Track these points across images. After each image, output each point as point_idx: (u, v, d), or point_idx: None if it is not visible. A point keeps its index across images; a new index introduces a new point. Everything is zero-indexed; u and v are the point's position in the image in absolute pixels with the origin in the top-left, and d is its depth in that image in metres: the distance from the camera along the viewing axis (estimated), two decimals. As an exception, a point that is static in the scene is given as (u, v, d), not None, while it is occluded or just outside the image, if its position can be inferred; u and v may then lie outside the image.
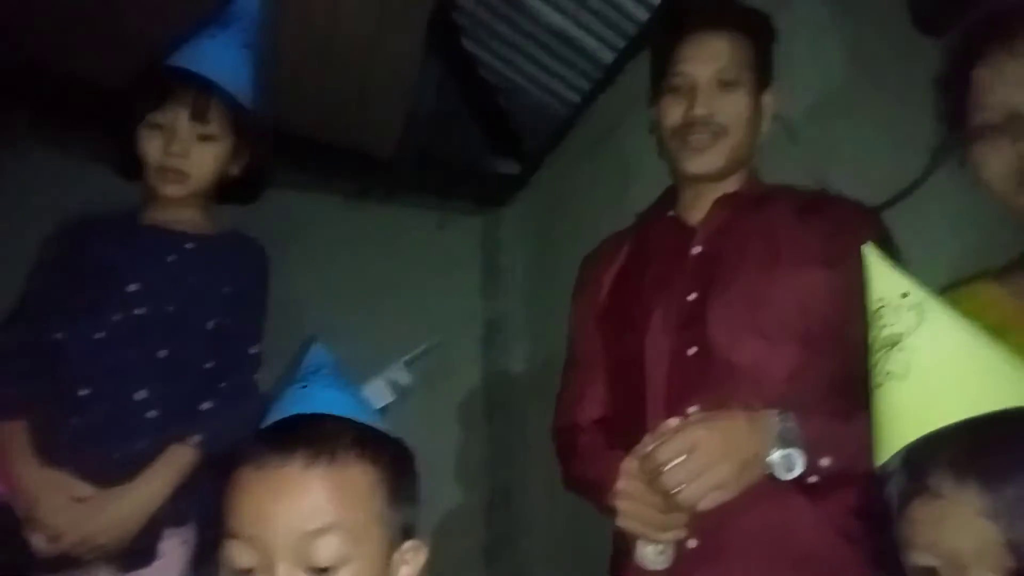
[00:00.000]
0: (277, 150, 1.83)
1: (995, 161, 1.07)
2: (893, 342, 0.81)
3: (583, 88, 2.82)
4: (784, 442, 1.17)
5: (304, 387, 1.04)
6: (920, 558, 0.78)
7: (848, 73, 1.74)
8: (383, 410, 1.93)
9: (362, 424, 1.01)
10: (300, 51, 2.41)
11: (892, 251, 1.24)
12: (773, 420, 1.18)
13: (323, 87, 2.60)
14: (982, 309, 1.08)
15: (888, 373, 0.81)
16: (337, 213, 3.11)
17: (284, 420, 1.00)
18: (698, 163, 1.42)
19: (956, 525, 0.75)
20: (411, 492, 1.02)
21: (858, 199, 1.43)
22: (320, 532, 0.89)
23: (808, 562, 1.21)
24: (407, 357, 2.14)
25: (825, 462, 1.17)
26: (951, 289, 1.16)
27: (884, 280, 0.84)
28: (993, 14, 1.11)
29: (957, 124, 1.13)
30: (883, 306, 0.82)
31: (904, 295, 0.81)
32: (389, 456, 0.99)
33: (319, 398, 1.03)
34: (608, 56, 2.64)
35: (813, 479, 1.17)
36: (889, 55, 1.63)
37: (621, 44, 2.57)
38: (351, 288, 2.98)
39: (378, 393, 1.95)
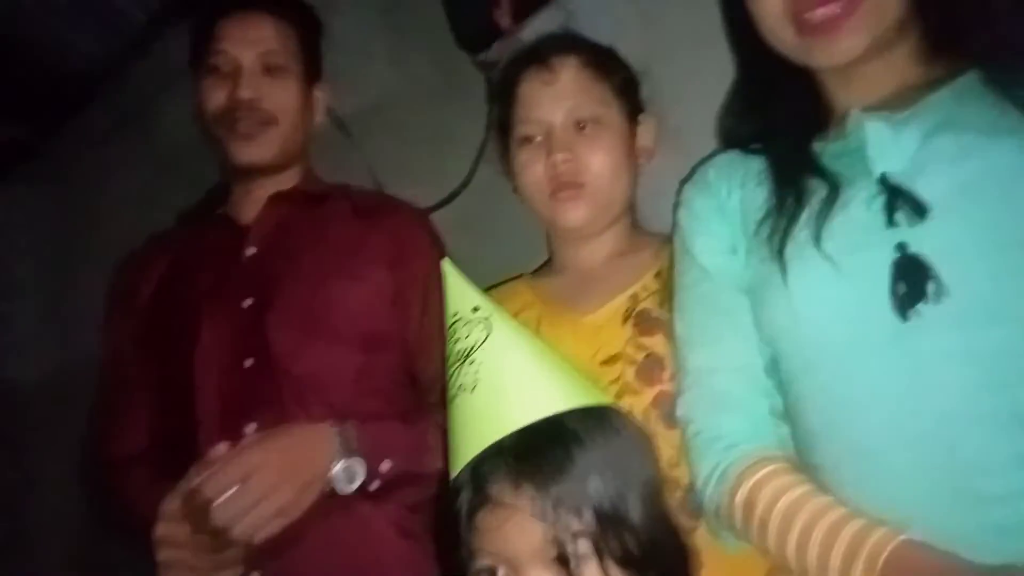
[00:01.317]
0: None
1: (531, 171, 1.18)
2: (464, 355, 0.81)
3: (113, 50, 2.44)
4: (345, 452, 1.13)
5: None
6: (482, 561, 0.80)
7: (397, 81, 1.78)
8: None
9: None
10: None
11: (443, 252, 1.30)
12: (332, 431, 1.13)
13: None
14: (519, 310, 1.18)
15: (460, 386, 0.82)
16: None
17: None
18: (247, 152, 1.31)
19: (514, 529, 0.78)
20: None
21: (411, 200, 1.46)
22: None
23: (375, 567, 1.20)
24: None
25: (386, 466, 1.16)
26: (494, 289, 1.24)
27: (459, 295, 0.85)
28: (537, 44, 1.25)
29: (503, 134, 1.23)
30: (457, 320, 0.83)
31: (475, 309, 0.82)
32: None
33: None
34: (142, 17, 2.32)
35: (375, 485, 1.15)
36: (434, 67, 1.70)
37: (155, 5, 2.28)
38: None
39: None
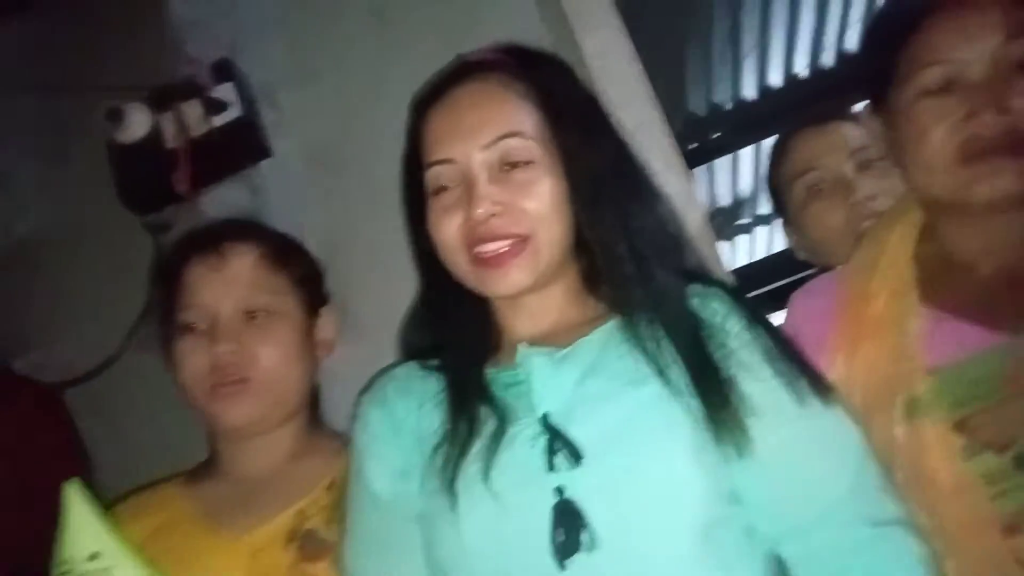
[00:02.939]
0: None
1: (191, 361, 1.05)
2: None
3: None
4: None
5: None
6: None
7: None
8: None
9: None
10: None
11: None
12: None
13: None
14: (162, 524, 1.02)
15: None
16: None
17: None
18: None
19: None
20: None
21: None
22: None
23: None
24: None
25: None
26: (137, 495, 1.09)
27: (76, 534, 0.69)
28: (211, 228, 1.16)
29: (165, 318, 1.09)
30: (67, 572, 0.66)
31: (92, 557, 0.67)
32: None
33: None
34: None
35: None
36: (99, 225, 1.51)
37: None
38: None
39: None
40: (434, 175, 0.92)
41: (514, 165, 0.89)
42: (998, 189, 0.88)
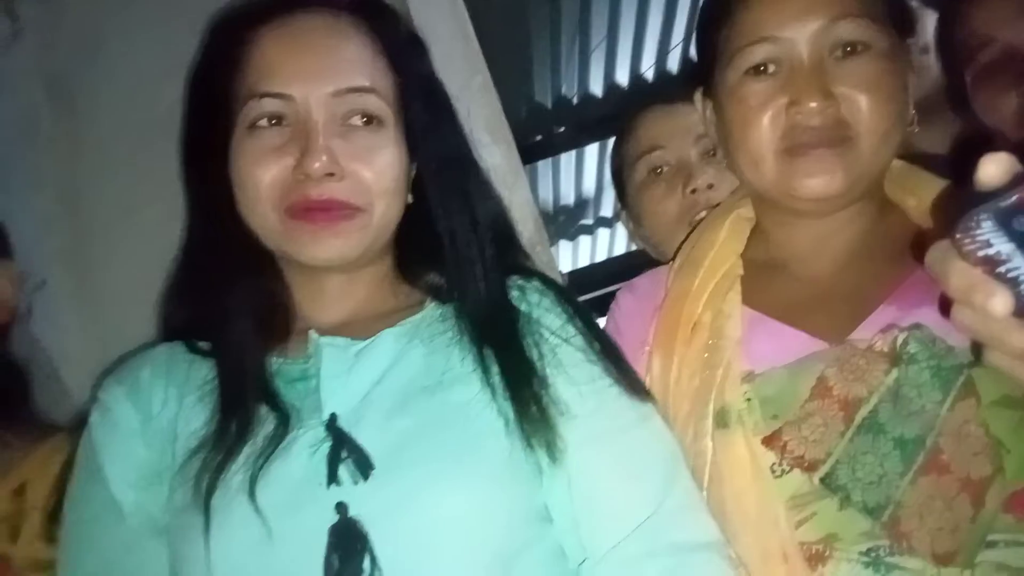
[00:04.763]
0: None
1: None
2: None
3: None
4: None
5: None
6: None
7: None
8: None
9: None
10: None
11: None
12: None
13: None
14: None
15: None
16: None
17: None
18: None
19: None
20: None
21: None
22: None
23: None
24: None
25: None
26: None
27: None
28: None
29: None
30: None
31: None
32: None
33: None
34: None
35: None
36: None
37: None
38: None
39: None
40: (257, 108, 0.76)
41: (363, 124, 0.77)
42: (821, 184, 0.80)
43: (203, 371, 0.78)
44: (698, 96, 0.96)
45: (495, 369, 0.75)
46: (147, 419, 0.77)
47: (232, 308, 0.80)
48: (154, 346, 0.83)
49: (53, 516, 0.80)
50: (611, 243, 4.64)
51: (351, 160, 0.75)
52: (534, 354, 0.76)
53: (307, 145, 0.74)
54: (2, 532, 0.81)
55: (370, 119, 0.77)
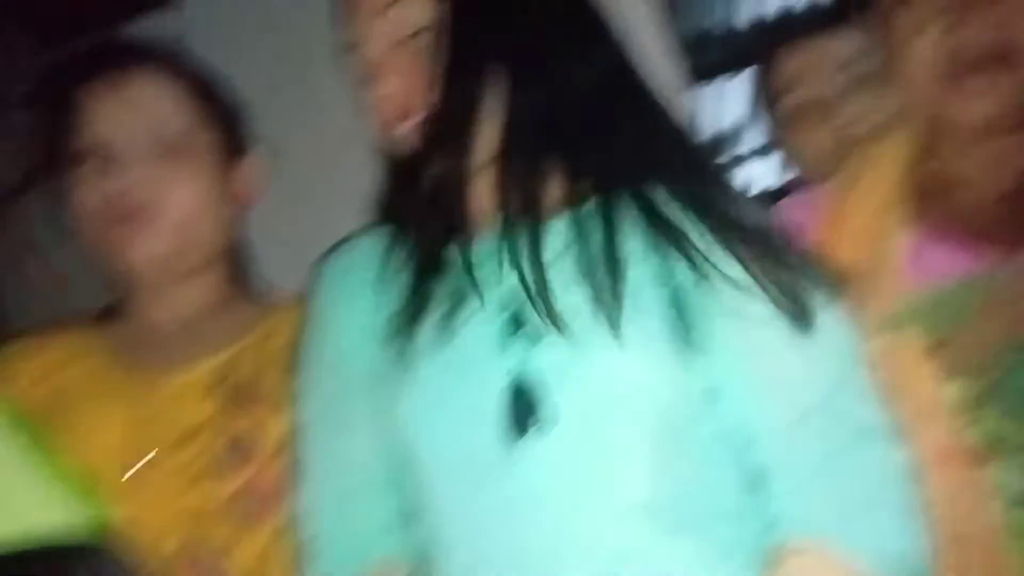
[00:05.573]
0: None
1: None
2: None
3: None
4: None
5: None
6: None
7: None
8: None
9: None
10: None
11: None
12: None
13: None
14: (67, 360, 0.94)
15: None
16: None
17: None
18: None
19: None
20: None
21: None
22: None
23: None
24: None
25: None
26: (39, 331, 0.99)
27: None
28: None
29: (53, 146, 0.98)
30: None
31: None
32: None
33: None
34: None
35: None
36: None
37: None
38: None
39: None
40: None
41: None
42: (990, 107, 0.79)
43: (403, 252, 0.85)
44: (857, 20, 0.95)
45: (673, 253, 0.77)
46: (365, 284, 0.86)
47: (425, 198, 0.84)
48: (364, 233, 0.91)
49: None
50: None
51: None
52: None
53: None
54: (253, 369, 0.92)
55: None
